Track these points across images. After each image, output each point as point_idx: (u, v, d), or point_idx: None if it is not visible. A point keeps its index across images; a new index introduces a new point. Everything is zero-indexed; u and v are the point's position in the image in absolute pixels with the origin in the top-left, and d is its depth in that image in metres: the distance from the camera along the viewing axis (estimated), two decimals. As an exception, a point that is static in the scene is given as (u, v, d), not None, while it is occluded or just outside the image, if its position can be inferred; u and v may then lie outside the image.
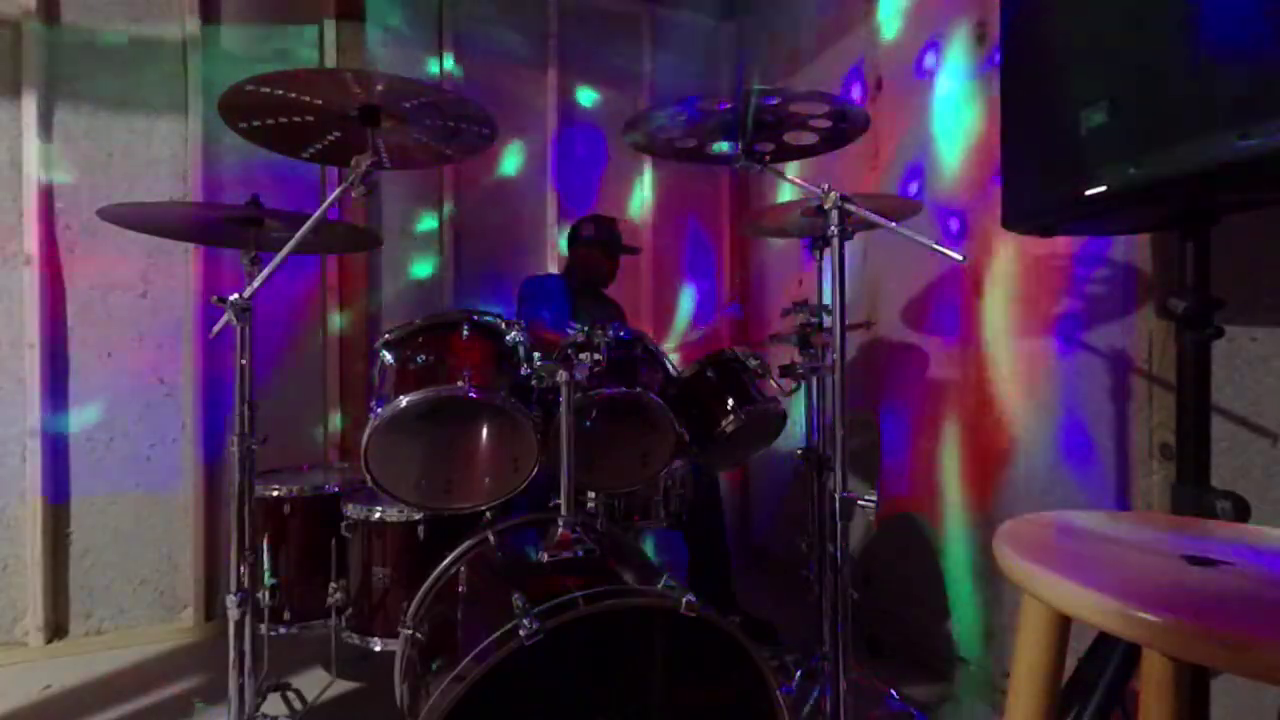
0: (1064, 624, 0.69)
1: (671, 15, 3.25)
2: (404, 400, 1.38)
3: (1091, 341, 1.72)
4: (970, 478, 2.07)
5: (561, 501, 1.43)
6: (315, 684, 2.00)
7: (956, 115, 2.11)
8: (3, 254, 2.26)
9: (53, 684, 2.07)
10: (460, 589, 1.52)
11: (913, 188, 2.29)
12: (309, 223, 1.34)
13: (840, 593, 1.36)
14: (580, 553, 1.40)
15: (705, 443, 1.81)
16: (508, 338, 1.50)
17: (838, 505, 1.31)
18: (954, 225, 2.12)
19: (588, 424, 1.60)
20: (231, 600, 1.42)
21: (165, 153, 2.45)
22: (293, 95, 1.34)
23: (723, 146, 1.59)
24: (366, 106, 1.40)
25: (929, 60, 2.22)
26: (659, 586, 1.27)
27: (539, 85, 3.02)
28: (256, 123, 1.43)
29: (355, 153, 1.41)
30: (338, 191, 1.38)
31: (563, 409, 1.41)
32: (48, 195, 2.30)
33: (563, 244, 3.03)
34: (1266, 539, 0.73)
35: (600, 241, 2.58)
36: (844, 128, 1.55)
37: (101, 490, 2.37)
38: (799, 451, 1.97)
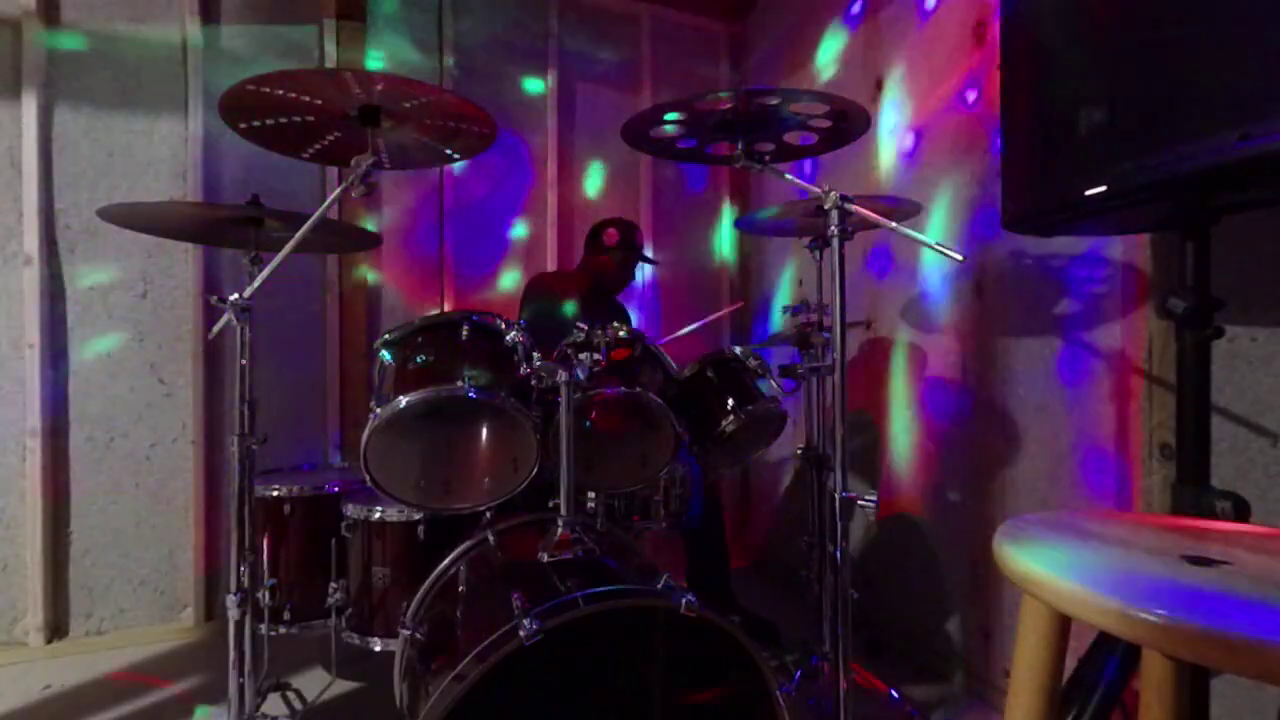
0: (1064, 624, 0.69)
1: (672, 15, 3.25)
2: (403, 400, 1.38)
3: (1091, 341, 1.72)
4: (970, 477, 2.06)
5: (561, 501, 1.43)
6: (315, 684, 2.00)
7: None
8: (3, 254, 2.26)
9: (53, 684, 2.06)
10: (460, 589, 1.52)
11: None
12: (309, 223, 1.35)
13: (840, 593, 1.36)
14: (580, 553, 1.39)
15: (705, 443, 1.81)
16: (508, 338, 1.50)
17: (838, 505, 1.31)
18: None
19: (588, 424, 1.60)
20: (231, 600, 1.42)
21: (165, 153, 2.45)
22: (293, 95, 1.34)
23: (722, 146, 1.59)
24: (366, 106, 1.40)
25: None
26: (659, 586, 1.27)
27: (539, 85, 3.02)
28: (256, 123, 1.43)
29: (355, 153, 1.41)
30: (338, 191, 1.38)
31: (563, 409, 1.41)
32: (48, 195, 2.30)
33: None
34: (1266, 539, 0.73)
35: (623, 250, 2.49)
36: (844, 127, 1.55)
37: (101, 490, 2.37)
38: (799, 451, 1.97)
